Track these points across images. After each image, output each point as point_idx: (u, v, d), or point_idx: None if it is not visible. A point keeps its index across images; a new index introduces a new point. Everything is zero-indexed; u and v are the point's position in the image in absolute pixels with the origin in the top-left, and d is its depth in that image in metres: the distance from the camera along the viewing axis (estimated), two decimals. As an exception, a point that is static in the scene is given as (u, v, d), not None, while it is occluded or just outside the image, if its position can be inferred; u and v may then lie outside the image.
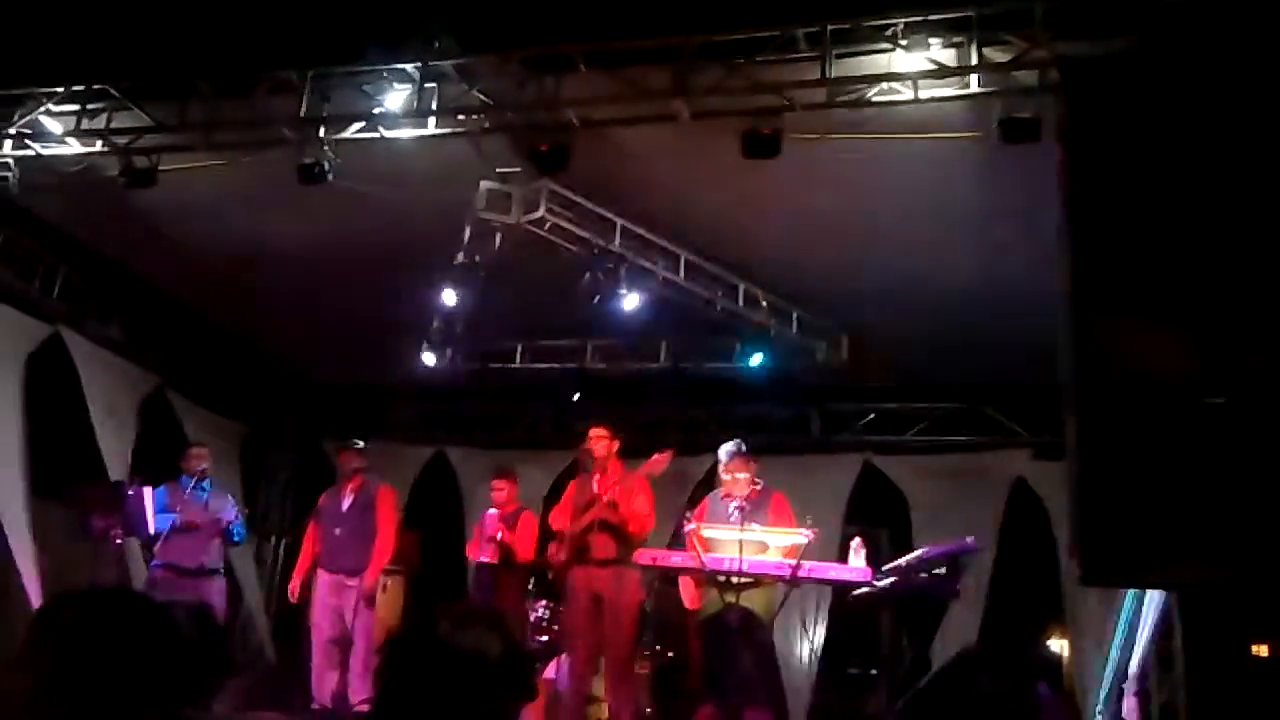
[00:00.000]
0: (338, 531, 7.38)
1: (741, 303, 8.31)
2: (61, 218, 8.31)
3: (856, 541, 5.95)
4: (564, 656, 6.71)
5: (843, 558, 6.15)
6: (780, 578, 5.72)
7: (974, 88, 5.80)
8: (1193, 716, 5.11)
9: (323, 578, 7.36)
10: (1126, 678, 5.75)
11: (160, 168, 6.95)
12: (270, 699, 7.86)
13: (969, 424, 10.15)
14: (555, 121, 6.37)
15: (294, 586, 7.56)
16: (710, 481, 7.10)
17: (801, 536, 5.67)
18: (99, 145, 6.99)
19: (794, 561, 5.62)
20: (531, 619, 7.77)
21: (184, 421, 10.05)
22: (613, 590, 6.30)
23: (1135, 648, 5.67)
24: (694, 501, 6.90)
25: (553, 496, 7.48)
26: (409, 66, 6.44)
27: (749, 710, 5.81)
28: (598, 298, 7.70)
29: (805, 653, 9.20)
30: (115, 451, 9.03)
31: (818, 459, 10.19)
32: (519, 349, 9.89)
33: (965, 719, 2.24)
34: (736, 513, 6.00)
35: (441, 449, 11.17)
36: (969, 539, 5.71)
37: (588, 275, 7.57)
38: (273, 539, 11.48)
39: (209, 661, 6.93)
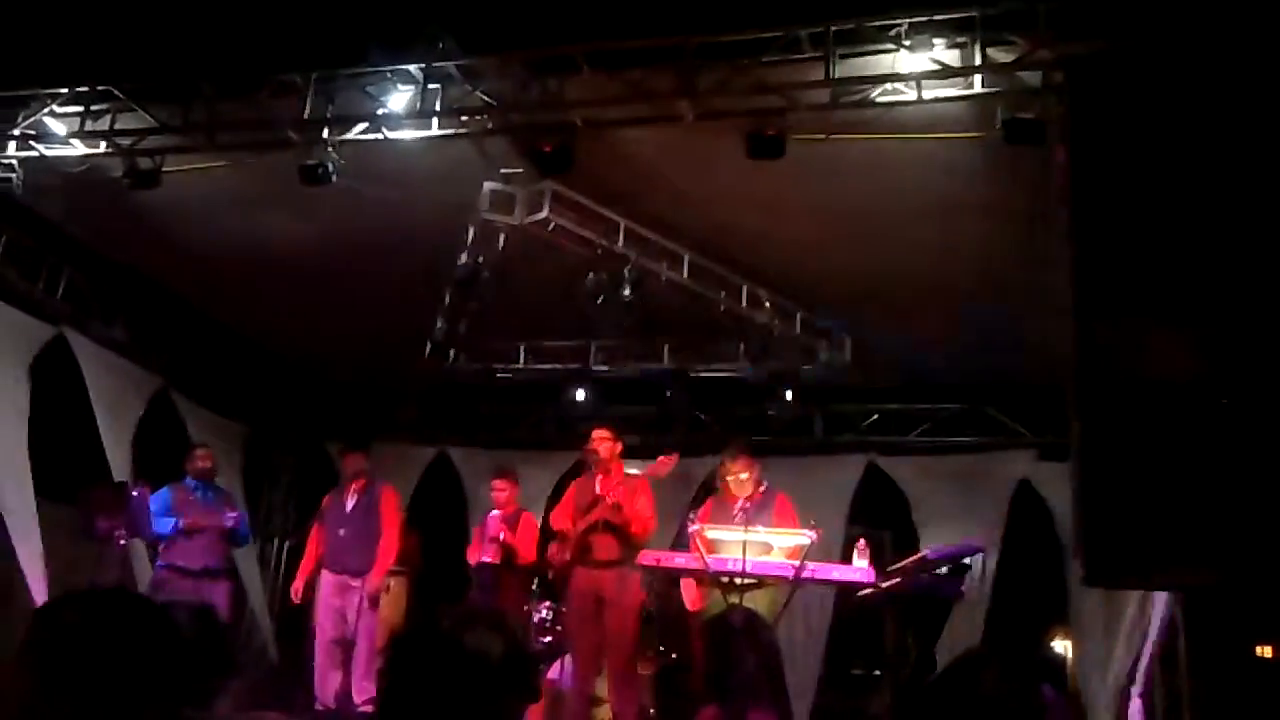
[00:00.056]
0: (341, 532, 7.39)
1: (745, 303, 8.31)
2: (65, 219, 8.33)
3: (860, 542, 5.94)
4: (567, 657, 6.71)
5: (846, 559, 6.15)
6: (784, 579, 5.71)
7: (977, 88, 5.80)
8: (1196, 718, 5.10)
9: (326, 578, 7.37)
10: (1133, 680, 5.74)
11: (164, 169, 6.95)
12: (273, 699, 7.88)
13: (973, 425, 10.14)
14: (559, 122, 6.37)
15: (297, 587, 7.58)
16: (713, 483, 7.09)
17: (805, 537, 5.66)
18: (103, 146, 7.00)
19: (797, 562, 5.62)
20: (535, 620, 7.77)
21: (188, 422, 10.06)
22: (614, 591, 6.31)
23: (1143, 649, 5.66)
24: (698, 503, 6.89)
25: (556, 497, 7.49)
26: (412, 68, 6.45)
27: (752, 711, 5.80)
28: (601, 298, 7.70)
29: (809, 653, 9.22)
30: (119, 452, 9.04)
31: (821, 460, 10.18)
32: (522, 350, 9.89)
33: (969, 720, 2.23)
34: (740, 514, 6.00)
35: (444, 450, 11.18)
36: (973, 540, 5.72)
37: (591, 276, 7.56)
38: (276, 540, 11.49)
39: (212, 662, 6.94)
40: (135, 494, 7.33)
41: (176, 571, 7.36)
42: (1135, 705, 5.71)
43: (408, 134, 6.60)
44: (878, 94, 5.89)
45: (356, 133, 6.64)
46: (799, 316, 8.71)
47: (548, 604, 7.72)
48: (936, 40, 5.73)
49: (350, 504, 7.49)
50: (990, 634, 9.27)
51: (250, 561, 10.49)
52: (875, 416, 10.46)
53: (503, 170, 7.02)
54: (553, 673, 7.16)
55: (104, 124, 6.97)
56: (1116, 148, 3.39)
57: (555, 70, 6.32)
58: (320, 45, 6.57)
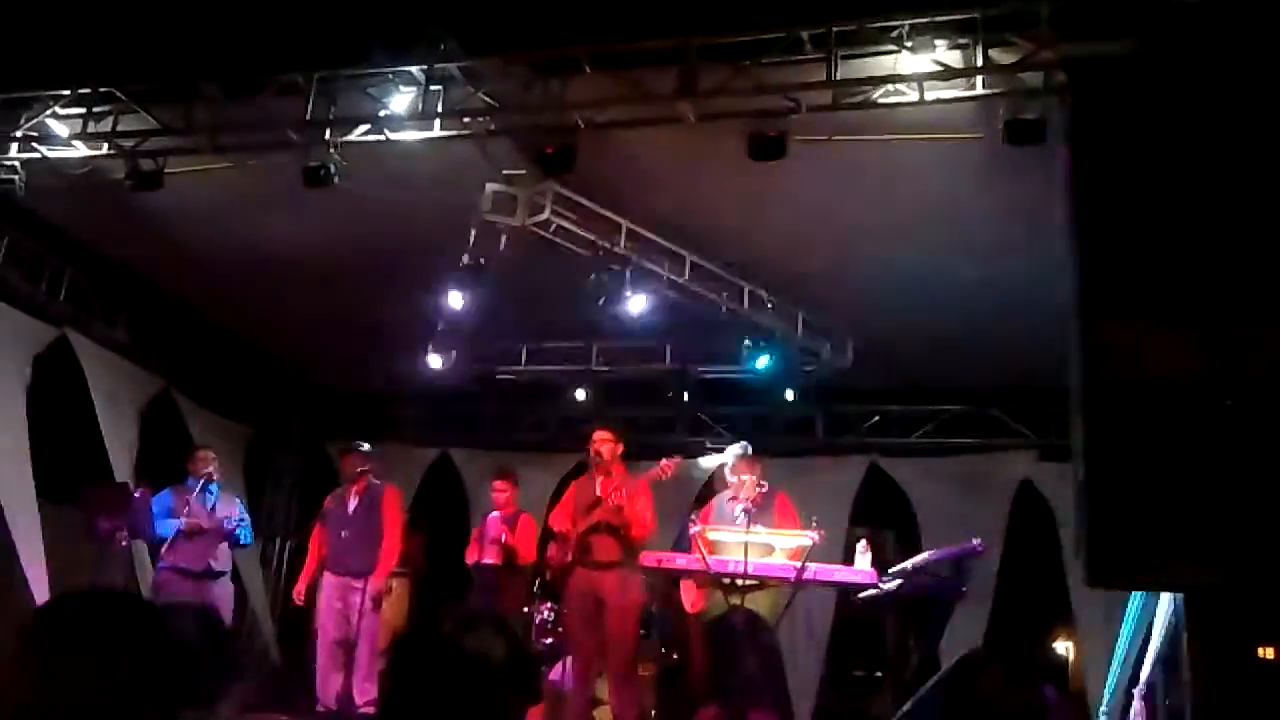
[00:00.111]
0: (344, 534, 7.39)
1: (747, 304, 8.31)
2: (67, 220, 8.33)
3: (862, 544, 5.95)
4: (569, 659, 6.71)
5: (848, 560, 6.15)
6: (785, 580, 5.71)
7: (979, 89, 5.79)
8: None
9: (329, 580, 7.37)
10: (1137, 681, 5.73)
11: (166, 170, 6.95)
12: (275, 701, 7.88)
13: (974, 426, 10.14)
14: (561, 123, 6.37)
15: (300, 589, 7.58)
16: (714, 484, 7.10)
17: (807, 538, 5.66)
18: (105, 148, 7.00)
19: (799, 564, 5.62)
20: (536, 621, 7.77)
21: (190, 424, 10.07)
22: (614, 593, 6.31)
23: (1148, 651, 5.65)
24: (699, 504, 6.89)
25: (557, 498, 7.49)
26: (414, 69, 6.45)
27: (753, 712, 5.81)
28: (603, 300, 7.70)
29: (810, 654, 9.21)
30: (121, 454, 9.05)
31: (823, 461, 10.19)
32: (524, 351, 9.90)
33: (971, 721, 2.24)
34: (742, 515, 6.00)
35: (446, 451, 11.19)
36: (975, 541, 5.71)
37: (593, 277, 7.56)
38: (278, 541, 11.49)
39: (214, 663, 6.93)
40: (137, 495, 7.33)
41: (178, 573, 7.36)
42: (1137, 706, 5.69)
43: (410, 135, 6.60)
44: (879, 95, 5.89)
45: (358, 134, 6.64)
46: (800, 317, 8.70)
47: (549, 605, 7.73)
48: (938, 41, 5.73)
49: (352, 505, 7.49)
50: (992, 635, 9.27)
51: (252, 563, 10.51)
52: (877, 418, 10.46)
53: (505, 171, 7.02)
54: (554, 674, 7.17)
55: (106, 126, 6.98)
56: (1119, 148, 3.38)
57: (557, 71, 6.32)
58: (322, 47, 6.57)
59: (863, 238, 7.55)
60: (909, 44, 5.74)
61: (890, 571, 5.78)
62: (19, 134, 7.03)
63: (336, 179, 6.59)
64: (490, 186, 7.06)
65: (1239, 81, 3.29)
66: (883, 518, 9.66)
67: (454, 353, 9.20)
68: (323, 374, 11.23)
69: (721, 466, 6.52)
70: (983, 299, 7.84)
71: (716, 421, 10.37)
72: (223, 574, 7.60)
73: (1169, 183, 3.27)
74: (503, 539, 7.72)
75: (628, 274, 7.58)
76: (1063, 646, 13.66)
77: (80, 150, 7.06)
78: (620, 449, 6.65)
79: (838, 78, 5.85)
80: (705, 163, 6.73)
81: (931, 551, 5.79)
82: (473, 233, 7.48)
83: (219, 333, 10.21)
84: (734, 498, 6.31)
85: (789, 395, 9.38)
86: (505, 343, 9.76)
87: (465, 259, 7.56)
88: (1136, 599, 5.99)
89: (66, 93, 6.97)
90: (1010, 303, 7.58)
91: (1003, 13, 5.64)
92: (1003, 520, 9.54)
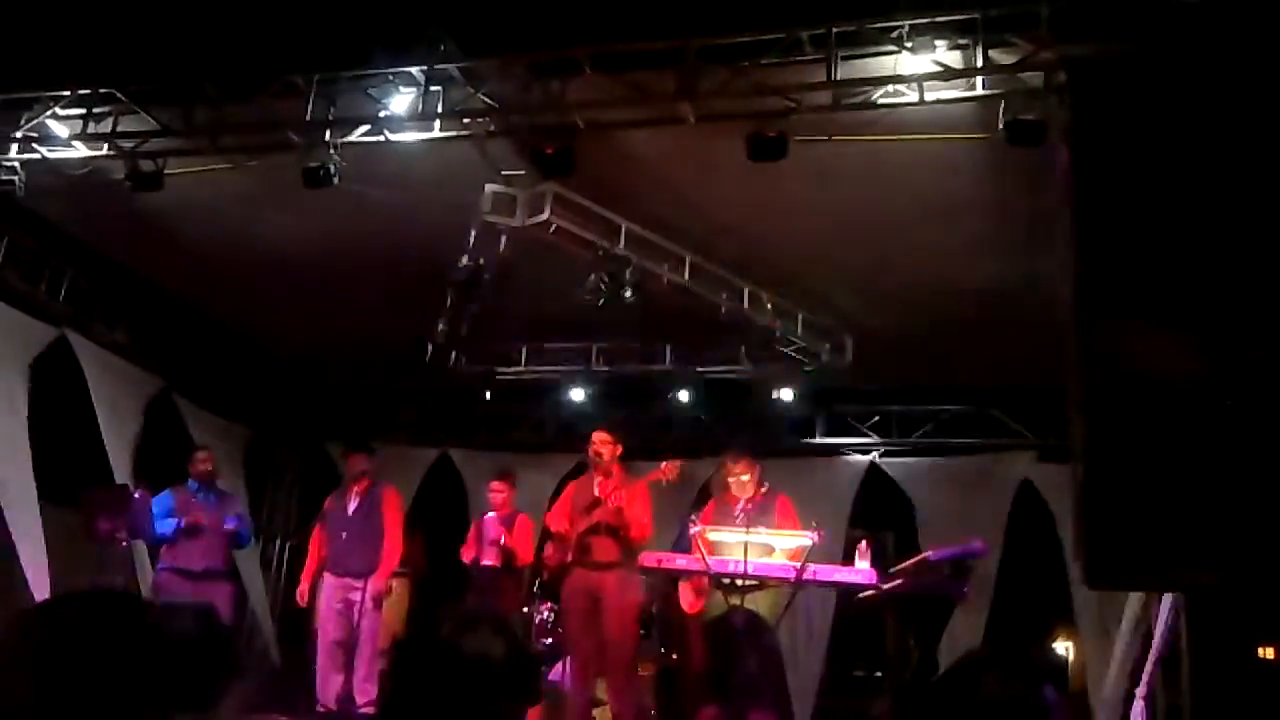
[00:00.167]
0: (344, 535, 7.40)
1: (746, 305, 8.31)
2: (67, 221, 8.33)
3: (862, 544, 5.95)
4: (568, 659, 6.72)
5: (848, 560, 6.15)
6: (785, 580, 5.71)
7: (979, 90, 5.80)
8: (1198, 719, 5.09)
9: (329, 580, 7.37)
10: (1136, 681, 5.73)
11: (166, 171, 6.96)
12: (275, 701, 7.87)
13: (974, 426, 10.15)
14: (560, 124, 6.37)
15: (303, 590, 7.58)
16: (713, 485, 7.10)
17: (807, 539, 5.66)
18: (105, 148, 7.00)
19: (799, 564, 5.62)
20: (536, 621, 7.78)
21: (190, 425, 10.07)
22: (612, 593, 6.31)
23: (1146, 651, 5.66)
24: (699, 504, 6.90)
25: (556, 499, 7.49)
26: (414, 70, 6.45)
27: (753, 712, 5.81)
28: (602, 300, 7.70)
29: (810, 655, 9.21)
30: (121, 454, 9.05)
31: (823, 461, 10.21)
32: (524, 351, 9.90)
33: (971, 722, 2.23)
34: (742, 515, 6.00)
35: (446, 451, 11.20)
36: (974, 541, 5.71)
37: (592, 278, 7.56)
38: (278, 542, 11.50)
39: (214, 664, 6.93)
40: (136, 496, 7.34)
41: (178, 573, 7.37)
42: (1138, 707, 5.69)
43: (409, 136, 6.60)
44: (879, 96, 5.89)
45: (358, 135, 6.64)
46: (800, 318, 8.71)
47: (549, 605, 7.73)
48: (938, 42, 5.73)
49: (353, 506, 7.50)
50: (991, 635, 9.27)
51: (252, 563, 10.51)
52: (877, 418, 10.47)
53: (504, 172, 7.02)
54: (554, 674, 7.17)
55: (106, 126, 6.98)
56: (1119, 149, 3.38)
57: (557, 72, 6.32)
58: (322, 48, 6.57)
59: (862, 238, 7.55)
60: (909, 44, 5.74)
61: (890, 572, 5.77)
62: (19, 134, 7.03)
63: (336, 180, 6.59)
64: (490, 187, 7.05)
65: (1240, 82, 3.29)
66: (883, 518, 9.67)
67: (453, 353, 9.21)
68: (323, 374, 11.23)
69: (721, 467, 6.52)
70: (983, 299, 7.84)
71: (716, 421, 10.33)
72: (223, 574, 7.60)
73: (1169, 183, 3.27)
74: (501, 541, 7.72)
75: (627, 274, 7.58)
76: (1063, 646, 13.66)
77: (80, 151, 7.06)
78: (619, 450, 6.65)
79: (838, 78, 5.85)
80: (705, 163, 6.73)
81: (931, 551, 5.78)
82: (472, 233, 7.47)
83: (219, 333, 10.20)
84: (734, 498, 6.31)
85: (788, 396, 9.41)
86: (505, 343, 9.76)
87: (465, 259, 7.56)
88: (1137, 598, 6.00)
89: (67, 93, 6.97)
90: (1010, 303, 7.58)
91: (1003, 13, 5.63)
92: (1002, 520, 9.55)
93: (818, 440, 10.49)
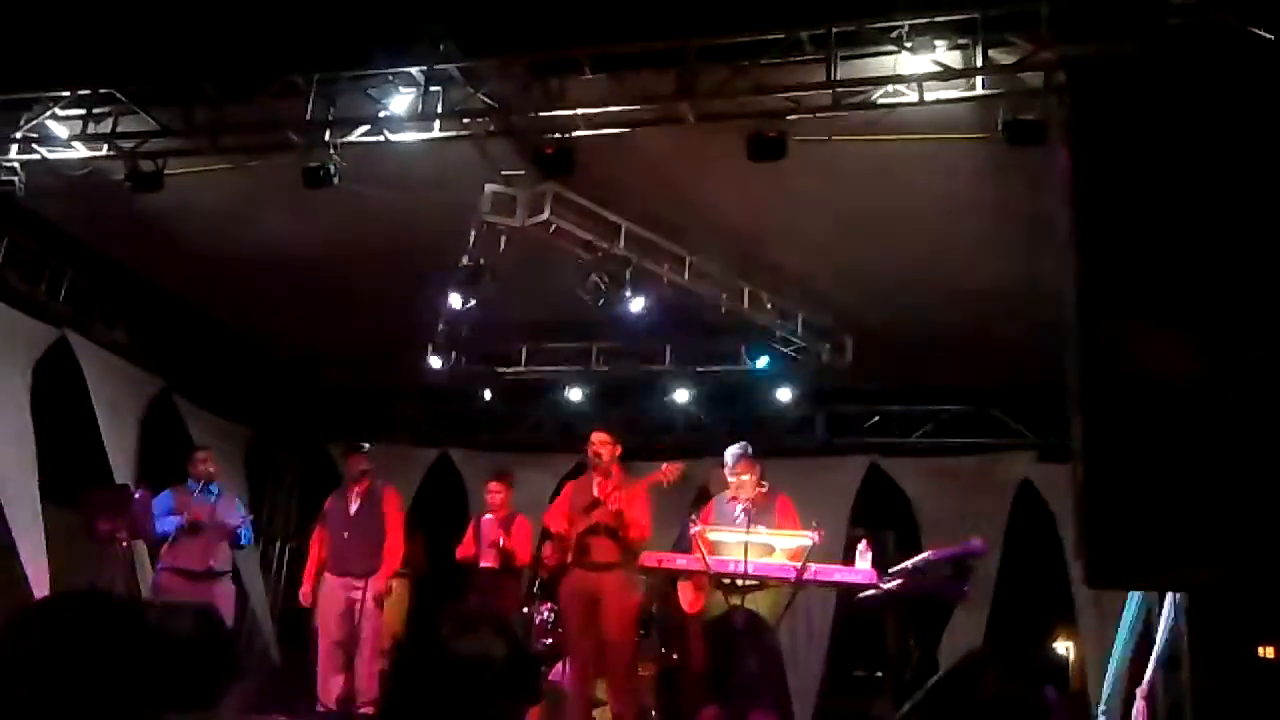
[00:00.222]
0: (345, 535, 7.39)
1: (746, 305, 8.31)
2: (67, 221, 8.33)
3: (862, 544, 5.94)
4: (569, 659, 6.72)
5: (848, 560, 6.15)
6: (786, 580, 5.71)
7: (979, 90, 5.79)
8: (1199, 718, 5.09)
9: (331, 581, 7.36)
10: (1139, 681, 5.73)
11: (166, 171, 6.96)
12: (276, 702, 7.86)
13: (974, 426, 10.15)
14: (560, 125, 6.37)
15: (306, 591, 7.56)
16: (711, 485, 7.09)
17: (807, 539, 5.66)
18: (105, 149, 7.00)
19: (799, 564, 5.61)
20: (537, 622, 7.77)
21: (190, 425, 10.07)
22: (611, 594, 6.31)
23: (1148, 651, 5.65)
24: (699, 504, 6.89)
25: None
26: (414, 70, 6.45)
27: (754, 712, 5.80)
28: (602, 300, 7.70)
29: (810, 655, 9.21)
30: (121, 455, 9.05)
31: (823, 461, 10.19)
32: (524, 352, 9.90)
33: (971, 722, 2.24)
34: (742, 515, 5.99)
35: (446, 451, 11.19)
36: (975, 541, 5.70)
37: (592, 278, 7.56)
38: (278, 542, 11.50)
39: (214, 664, 6.93)
40: (137, 496, 7.33)
41: (178, 573, 7.36)
42: (1139, 706, 5.69)
43: (409, 136, 6.60)
44: (879, 95, 5.89)
45: (358, 135, 6.64)
46: (800, 317, 8.71)
47: (549, 605, 7.73)
48: (938, 42, 5.73)
49: (354, 506, 7.49)
50: (992, 635, 9.27)
51: (252, 563, 10.50)
52: (877, 418, 10.47)
53: (504, 172, 7.03)
54: (554, 674, 7.17)
55: (106, 127, 6.98)
56: (1118, 149, 3.39)
57: (557, 72, 6.32)
58: (322, 48, 6.57)
59: (862, 238, 7.55)
60: (909, 44, 5.74)
61: (890, 572, 5.77)
62: (19, 135, 7.03)
63: (336, 180, 6.59)
64: (490, 187, 7.06)
65: (1238, 83, 3.29)
66: (883, 518, 9.66)
67: (454, 353, 9.22)
68: (323, 374, 11.23)
69: (721, 467, 6.52)
70: (983, 299, 7.84)
71: (716, 421, 10.32)
72: (223, 574, 7.60)
73: (1168, 183, 3.27)
74: (500, 543, 7.71)
75: (627, 274, 7.58)
76: (1063, 646, 13.66)
77: (80, 151, 7.06)
78: (619, 451, 6.64)
79: (837, 78, 5.85)
80: (704, 163, 6.73)
81: (931, 551, 5.78)
82: (472, 233, 7.48)
83: (219, 333, 10.20)
84: (734, 498, 6.31)
85: (786, 396, 9.42)
86: (505, 343, 9.76)
87: (465, 259, 7.57)
88: (1135, 598, 5.99)
89: (66, 94, 6.97)
90: (1010, 303, 7.58)
91: (1002, 13, 5.63)
92: (1003, 520, 9.55)
93: (818, 440, 10.48)
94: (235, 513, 7.73)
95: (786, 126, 5.97)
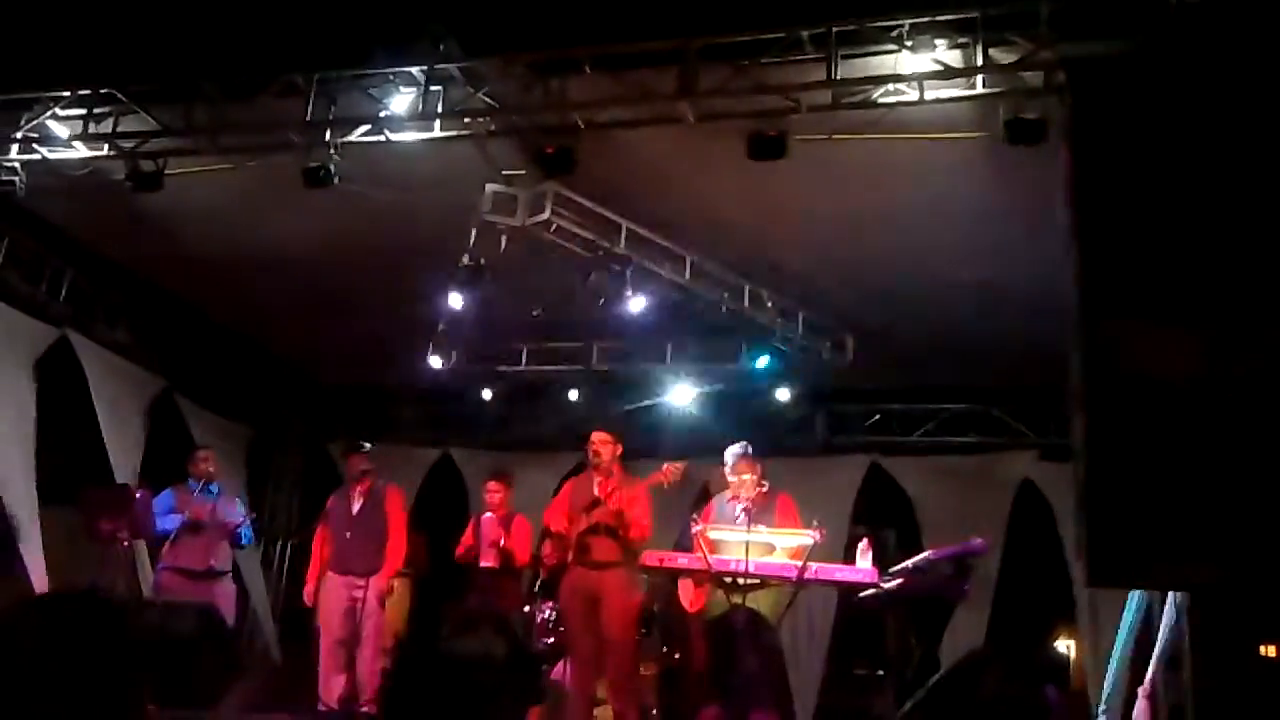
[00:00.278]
0: (348, 534, 7.38)
1: (747, 304, 8.31)
2: (68, 221, 8.34)
3: (863, 543, 5.94)
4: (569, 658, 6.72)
5: (849, 559, 6.15)
6: (787, 579, 5.71)
7: (980, 89, 5.80)
8: (1200, 718, 5.09)
9: (333, 580, 7.36)
10: (1140, 680, 5.73)
11: (166, 171, 6.97)
12: (277, 701, 7.87)
13: (975, 425, 10.15)
14: (561, 124, 6.38)
15: (310, 591, 7.55)
16: (715, 484, 7.09)
17: (808, 538, 5.66)
18: (105, 149, 7.01)
19: (800, 563, 5.62)
20: (538, 621, 7.77)
21: (191, 424, 10.08)
22: (612, 593, 6.31)
23: (1150, 650, 5.65)
24: (700, 503, 6.89)
25: (557, 498, 7.48)
26: (414, 70, 6.46)
27: (755, 711, 5.80)
28: (603, 300, 7.70)
29: (811, 654, 9.21)
30: (122, 454, 9.05)
31: (824, 460, 10.19)
32: (524, 351, 9.90)
33: (972, 721, 2.24)
34: (743, 514, 5.99)
35: (447, 451, 11.19)
36: (976, 540, 5.71)
37: (593, 277, 7.56)
38: (279, 541, 11.50)
39: (215, 663, 6.94)
40: (138, 496, 7.34)
41: (179, 573, 7.37)
42: (1141, 706, 5.69)
43: (410, 136, 6.60)
44: (880, 95, 5.89)
45: (359, 135, 6.65)
46: (801, 317, 8.71)
47: (550, 604, 7.73)
48: (938, 41, 5.73)
49: (356, 505, 7.48)
50: (993, 634, 9.27)
51: (253, 563, 10.51)
52: (877, 417, 10.47)
53: (504, 172, 7.03)
54: (555, 673, 7.17)
55: (106, 127, 6.99)
56: (1119, 148, 3.39)
57: (557, 72, 6.33)
58: (322, 47, 6.57)
59: (863, 237, 7.55)
60: (909, 43, 5.74)
61: (891, 571, 5.77)
62: (19, 135, 7.04)
63: (336, 179, 6.60)
64: (490, 187, 7.06)
65: (1238, 81, 3.29)
66: (884, 517, 9.66)
67: (454, 352, 9.22)
68: (324, 374, 11.24)
69: (722, 466, 6.52)
70: (983, 298, 7.84)
71: (716, 421, 10.32)
72: (224, 574, 7.60)
73: (1169, 182, 3.27)
74: (500, 542, 7.72)
75: (628, 274, 7.58)
76: (1064, 645, 13.66)
77: (80, 151, 7.07)
78: (619, 450, 6.64)
79: (838, 77, 5.85)
80: (705, 163, 6.73)
81: (932, 550, 5.78)
82: (473, 233, 7.48)
83: (220, 333, 10.21)
84: (735, 497, 6.31)
85: (785, 395, 9.41)
86: (506, 343, 9.76)
87: (465, 259, 7.57)
88: (1136, 597, 5.99)
89: (67, 94, 6.98)
90: (1011, 302, 7.58)
91: (1003, 12, 5.64)
92: (1003, 519, 9.54)
93: (819, 439, 10.48)
94: (236, 512, 7.74)
95: (787, 126, 5.98)
